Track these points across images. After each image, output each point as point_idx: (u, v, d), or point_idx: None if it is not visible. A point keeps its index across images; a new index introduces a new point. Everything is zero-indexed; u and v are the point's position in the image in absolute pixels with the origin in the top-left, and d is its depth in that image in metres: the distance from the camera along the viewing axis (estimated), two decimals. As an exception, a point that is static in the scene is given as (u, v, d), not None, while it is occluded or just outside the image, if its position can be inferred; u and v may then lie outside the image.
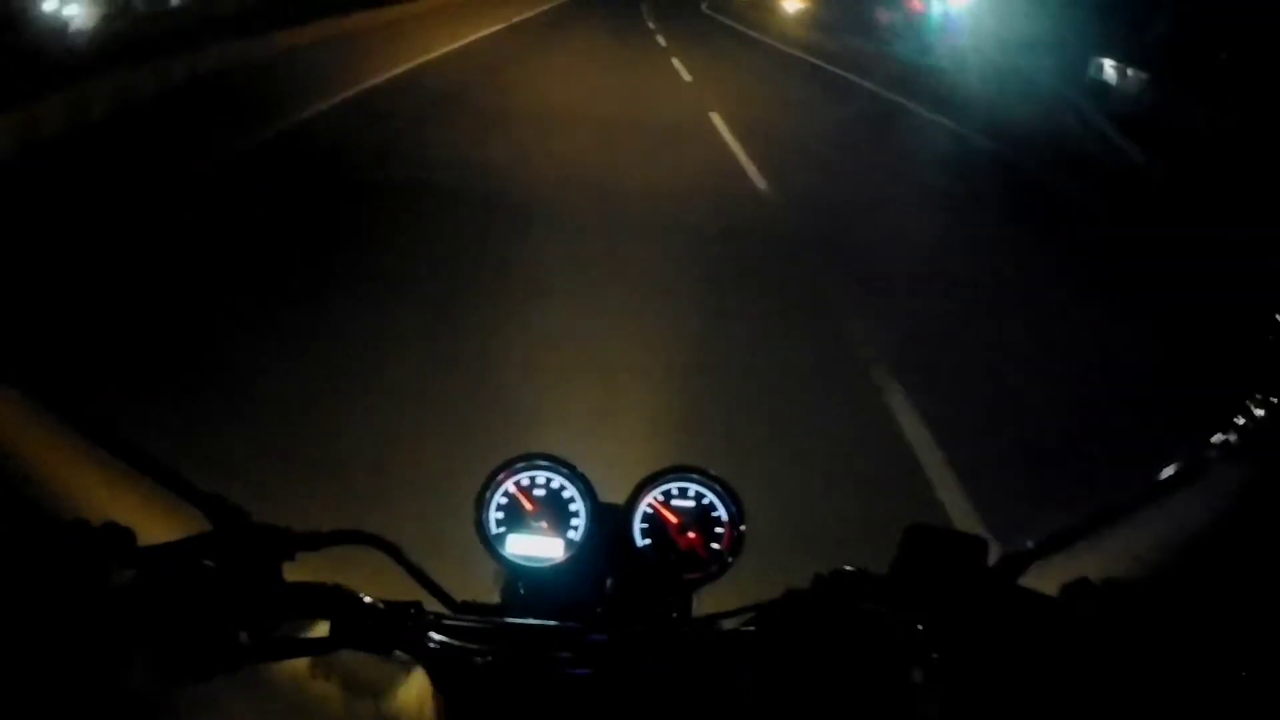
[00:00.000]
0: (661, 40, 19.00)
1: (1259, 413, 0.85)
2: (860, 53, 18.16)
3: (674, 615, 1.06)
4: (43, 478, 0.77)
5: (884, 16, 20.24)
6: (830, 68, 16.82)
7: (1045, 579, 0.84)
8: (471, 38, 16.80)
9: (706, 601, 1.06)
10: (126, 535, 0.70)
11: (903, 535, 0.86)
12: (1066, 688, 0.76)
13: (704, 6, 29.00)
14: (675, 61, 15.64)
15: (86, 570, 0.68)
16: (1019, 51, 13.27)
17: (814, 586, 0.87)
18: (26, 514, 0.74)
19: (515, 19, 20.65)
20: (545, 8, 24.48)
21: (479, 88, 11.77)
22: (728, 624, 0.94)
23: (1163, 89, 10.96)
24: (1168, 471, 0.92)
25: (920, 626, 0.82)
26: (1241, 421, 0.88)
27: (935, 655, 0.82)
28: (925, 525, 0.87)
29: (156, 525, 0.76)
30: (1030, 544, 0.87)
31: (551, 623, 0.91)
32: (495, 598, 1.06)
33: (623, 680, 0.85)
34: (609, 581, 1.06)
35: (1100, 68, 12.62)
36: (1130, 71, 11.91)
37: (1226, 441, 0.89)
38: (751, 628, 0.90)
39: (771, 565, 1.07)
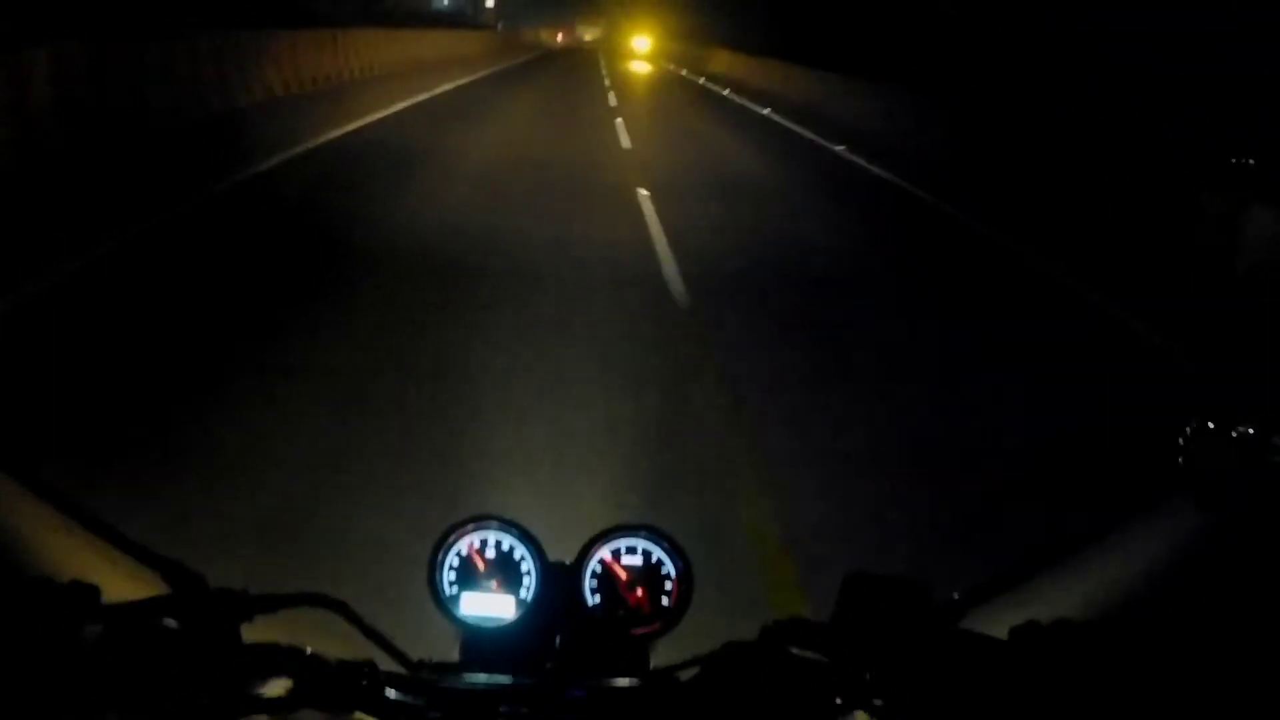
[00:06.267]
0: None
1: (1200, 452, 0.87)
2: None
3: (625, 670, 1.08)
4: (5, 541, 0.78)
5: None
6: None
7: (992, 623, 0.86)
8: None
9: (665, 655, 1.08)
10: (91, 592, 0.71)
11: (842, 583, 0.90)
12: None
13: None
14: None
15: (52, 626, 0.68)
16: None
17: (760, 637, 0.90)
18: None
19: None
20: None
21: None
22: (677, 676, 0.96)
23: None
24: (1115, 513, 0.94)
25: (867, 675, 0.85)
26: (1182, 461, 0.89)
27: (880, 703, 0.85)
28: (865, 572, 0.90)
29: (117, 589, 0.76)
30: (974, 587, 0.89)
31: (505, 679, 0.93)
32: (450, 655, 1.08)
33: None
34: (559, 639, 1.09)
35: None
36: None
37: (1170, 481, 0.90)
38: (700, 679, 0.92)
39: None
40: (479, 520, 1.13)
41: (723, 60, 35.14)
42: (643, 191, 10.20)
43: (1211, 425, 0.87)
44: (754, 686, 0.86)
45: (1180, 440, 0.88)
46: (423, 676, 0.89)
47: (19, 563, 0.75)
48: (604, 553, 1.13)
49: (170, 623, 0.76)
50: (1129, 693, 0.76)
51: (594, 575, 1.12)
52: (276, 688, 0.81)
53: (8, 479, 0.79)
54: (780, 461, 4.30)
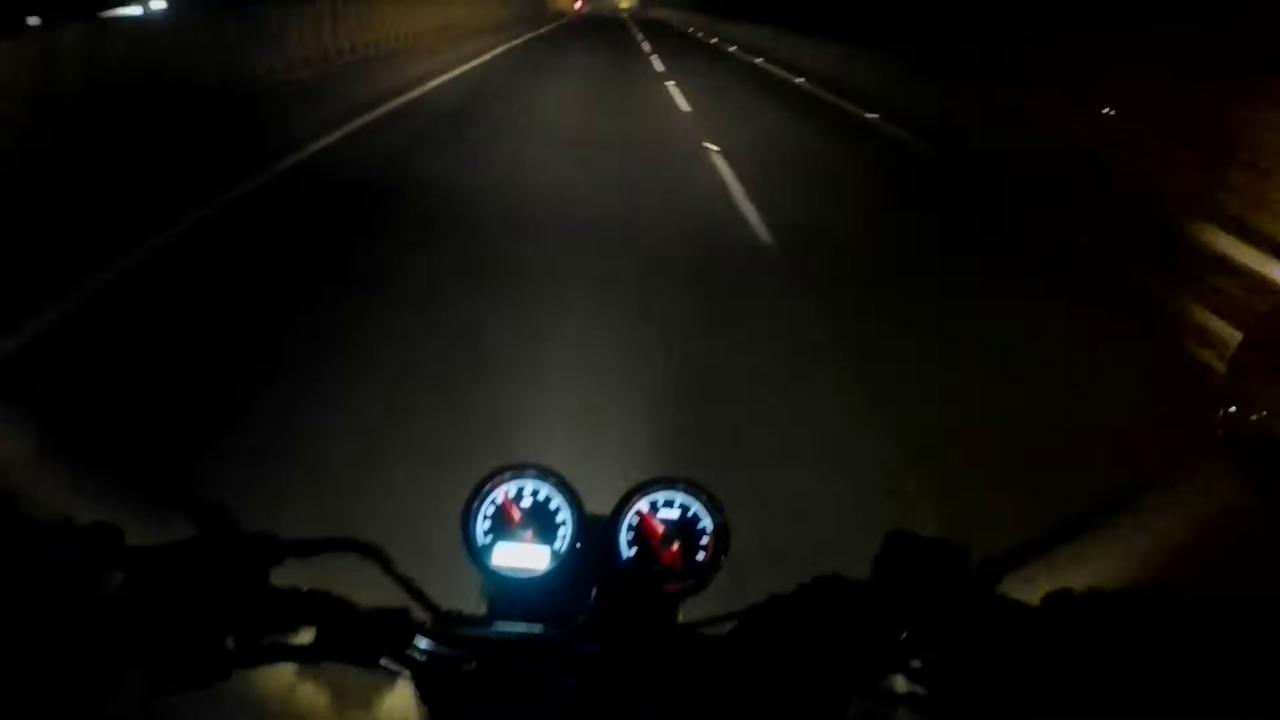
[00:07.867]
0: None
1: (1235, 422, 0.87)
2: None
3: (658, 625, 1.06)
4: (28, 479, 0.77)
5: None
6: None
7: (1030, 587, 0.84)
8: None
9: (698, 610, 1.07)
10: (115, 534, 0.70)
11: (883, 542, 0.87)
12: (1047, 697, 0.76)
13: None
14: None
15: (76, 568, 0.68)
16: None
17: (795, 594, 0.88)
18: (12, 515, 0.74)
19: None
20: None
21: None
22: (711, 631, 0.94)
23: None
24: (1151, 477, 0.93)
25: (904, 635, 0.82)
26: (1221, 431, 0.89)
27: (917, 664, 0.83)
28: (905, 532, 0.88)
29: (144, 531, 0.76)
30: (1010, 551, 0.87)
31: (537, 631, 0.92)
32: (481, 607, 1.07)
33: (606, 689, 0.85)
34: (594, 591, 1.07)
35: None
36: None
37: (1206, 451, 0.90)
38: (734, 636, 0.90)
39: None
40: (516, 468, 1.12)
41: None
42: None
43: (1244, 398, 0.87)
44: (788, 644, 0.84)
45: (1218, 411, 0.87)
46: (452, 627, 0.88)
47: (39, 503, 0.74)
48: (642, 505, 1.11)
49: (196, 567, 0.75)
50: (1159, 662, 0.75)
51: (630, 528, 1.10)
52: (304, 635, 0.80)
53: (29, 415, 0.78)
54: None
